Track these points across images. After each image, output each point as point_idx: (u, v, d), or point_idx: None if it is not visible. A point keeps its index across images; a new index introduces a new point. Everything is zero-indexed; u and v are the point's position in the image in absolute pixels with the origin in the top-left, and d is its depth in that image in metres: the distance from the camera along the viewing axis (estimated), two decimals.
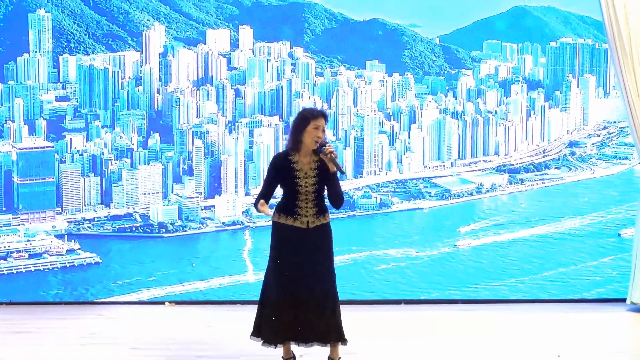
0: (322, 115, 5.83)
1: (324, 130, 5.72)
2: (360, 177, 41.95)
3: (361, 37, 35.38)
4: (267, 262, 5.66)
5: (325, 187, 5.56)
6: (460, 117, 31.66)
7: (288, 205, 5.75)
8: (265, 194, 5.61)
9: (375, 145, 36.67)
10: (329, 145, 5.41)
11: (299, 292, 5.30)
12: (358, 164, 41.53)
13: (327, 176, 5.45)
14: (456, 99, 33.36)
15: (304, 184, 5.73)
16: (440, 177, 36.08)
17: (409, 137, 35.17)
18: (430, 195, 35.77)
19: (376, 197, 40.45)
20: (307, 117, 5.79)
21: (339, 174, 5.54)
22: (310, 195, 5.74)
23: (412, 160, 33.12)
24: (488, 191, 31.59)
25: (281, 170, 5.77)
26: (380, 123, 36.80)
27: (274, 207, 5.64)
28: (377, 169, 40.92)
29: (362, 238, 35.77)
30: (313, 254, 5.70)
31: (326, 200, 5.52)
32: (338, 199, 5.47)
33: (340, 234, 35.99)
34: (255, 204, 5.81)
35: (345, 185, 41.94)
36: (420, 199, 36.90)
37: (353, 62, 35.68)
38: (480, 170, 33.97)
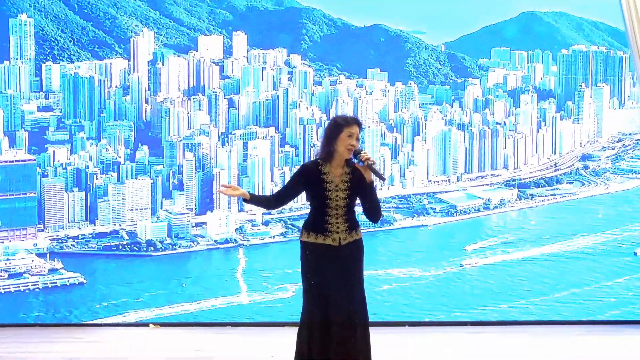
0: (356, 122, 5.82)
1: (358, 139, 5.72)
2: None
3: (362, 44, 35.53)
4: (300, 284, 5.70)
5: (360, 199, 5.52)
6: (467, 129, 31.76)
7: (317, 222, 5.78)
8: (282, 195, 5.82)
9: (376, 159, 36.66)
10: (365, 152, 5.32)
11: (331, 313, 5.30)
12: None
13: (360, 188, 5.40)
14: (462, 109, 33.48)
15: (334, 197, 5.74)
16: (446, 192, 36.13)
17: (413, 150, 35.20)
18: (435, 212, 35.82)
19: None
20: (341, 125, 5.80)
21: (378, 182, 5.56)
22: (341, 209, 5.76)
23: (416, 175, 33.14)
24: (496, 207, 31.61)
25: (310, 181, 5.77)
26: (382, 135, 36.89)
27: (302, 226, 5.63)
28: (379, 183, 40.72)
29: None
30: (345, 271, 5.75)
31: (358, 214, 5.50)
32: (376, 212, 5.61)
33: None
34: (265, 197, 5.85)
35: None
36: (424, 216, 36.94)
37: (353, 70, 35.76)
38: (488, 185, 33.98)
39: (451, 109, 33.48)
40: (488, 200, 31.39)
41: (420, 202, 36.17)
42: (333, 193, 5.72)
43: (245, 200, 5.50)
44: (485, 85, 31.11)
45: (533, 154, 24.59)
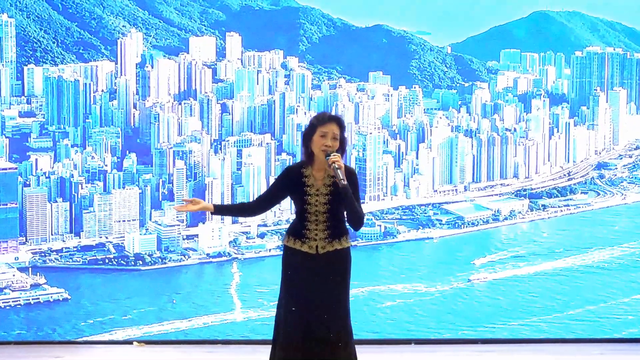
0: (332, 119, 5.39)
1: (336, 139, 5.30)
2: (362, 202, 40.97)
3: (363, 45, 35.48)
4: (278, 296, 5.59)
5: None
6: (475, 136, 31.66)
7: (297, 227, 5.36)
8: (263, 200, 5.43)
9: (379, 167, 36.58)
10: (335, 155, 5.21)
11: (308, 330, 5.17)
12: (360, 189, 40.46)
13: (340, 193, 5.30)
14: (470, 115, 33.40)
15: (313, 202, 5.32)
16: (452, 202, 35.97)
17: (417, 158, 35.21)
18: (441, 224, 35.57)
19: (380, 226, 40.36)
20: (314, 125, 5.39)
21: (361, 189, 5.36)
22: (322, 215, 5.32)
23: (421, 184, 33.09)
24: (506, 219, 31.55)
25: (291, 184, 5.37)
26: (384, 142, 36.85)
27: (286, 230, 5.53)
28: (381, 193, 40.92)
29: (364, 271, 35.63)
30: (324, 284, 5.28)
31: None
32: (354, 218, 5.27)
33: None
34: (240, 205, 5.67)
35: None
36: (429, 228, 36.72)
37: (354, 73, 35.74)
38: (497, 195, 33.95)
39: (458, 115, 33.40)
40: (497, 211, 31.27)
41: (426, 213, 36.03)
42: (313, 197, 5.32)
43: (213, 213, 5.36)
44: (494, 89, 30.96)
45: (545, 162, 24.48)
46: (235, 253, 32.17)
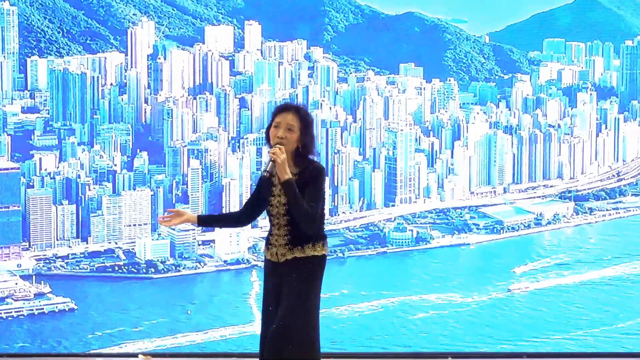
0: (287, 108, 5.16)
1: (291, 130, 5.05)
2: (392, 205, 41.91)
3: (393, 34, 35.43)
4: None
5: None
6: (515, 132, 31.47)
7: (268, 233, 5.20)
8: (247, 205, 5.26)
9: (410, 167, 36.48)
10: (277, 147, 4.97)
11: (266, 349, 5.04)
12: (389, 190, 41.51)
13: (305, 192, 5.03)
14: (510, 110, 33.21)
15: (275, 203, 5.12)
16: (491, 205, 35.85)
17: (452, 157, 35.12)
18: (478, 228, 35.42)
19: (412, 231, 40.21)
20: (272, 115, 5.20)
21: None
22: (282, 218, 5.10)
23: (456, 185, 33.02)
24: (549, 223, 31.34)
25: (264, 185, 5.18)
26: (416, 139, 36.75)
27: None
28: (413, 195, 40.77)
29: (394, 280, 35.54)
30: (280, 297, 5.06)
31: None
32: (297, 217, 4.99)
33: (367, 274, 35.89)
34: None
35: (374, 216, 41.68)
36: (465, 233, 36.55)
37: (384, 65, 35.74)
38: (539, 197, 33.75)
39: (497, 110, 33.21)
40: (540, 215, 31.08)
41: (461, 217, 35.97)
42: (275, 198, 5.12)
43: (197, 224, 5.26)
44: (536, 82, 30.79)
45: (592, 162, 24.32)
46: (254, 260, 32.21)
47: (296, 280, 5.03)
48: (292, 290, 5.02)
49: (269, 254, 5.07)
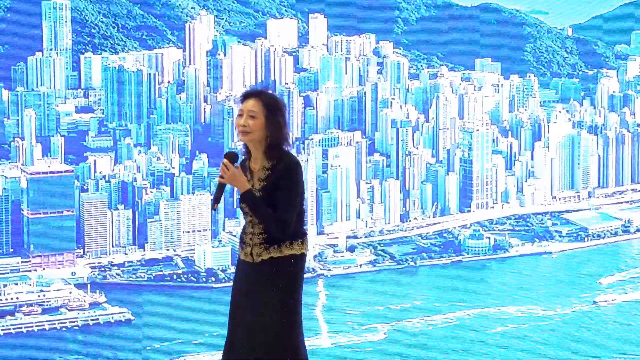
0: (248, 95, 4.62)
1: (253, 117, 4.54)
2: (468, 211, 42.05)
3: (469, 27, 35.69)
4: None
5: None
6: (601, 132, 31.51)
7: (242, 230, 4.72)
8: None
9: (487, 170, 36.60)
10: (220, 169, 4.53)
11: (231, 352, 4.56)
12: (465, 194, 41.69)
13: (277, 188, 4.52)
14: (594, 108, 33.24)
15: None
16: (574, 211, 35.82)
17: (532, 159, 35.19)
18: (560, 236, 35.39)
19: (489, 238, 40.33)
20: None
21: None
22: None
23: (537, 189, 33.09)
24: (638, 230, 31.17)
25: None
26: (494, 140, 36.89)
27: None
28: (490, 200, 40.88)
29: (470, 291, 35.67)
30: (254, 301, 4.52)
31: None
32: (267, 226, 4.48)
33: (440, 285, 36.32)
34: None
35: (448, 222, 42.00)
36: (547, 241, 36.53)
37: (458, 60, 35.97)
38: (627, 202, 33.65)
39: (580, 108, 33.31)
40: (628, 221, 31.00)
41: (543, 223, 36.00)
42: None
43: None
44: (624, 78, 30.84)
45: None
46: (320, 269, 32.18)
47: (273, 282, 4.47)
48: (268, 294, 4.47)
49: (243, 254, 4.49)
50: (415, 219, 54.50)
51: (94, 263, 38.99)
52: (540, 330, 36.01)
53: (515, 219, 46.03)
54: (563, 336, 35.40)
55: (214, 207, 4.51)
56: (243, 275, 4.49)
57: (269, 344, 4.40)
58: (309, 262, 29.64)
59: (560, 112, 52.17)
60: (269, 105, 4.40)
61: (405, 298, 43.06)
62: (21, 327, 35.80)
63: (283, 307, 4.46)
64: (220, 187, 4.46)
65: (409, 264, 49.08)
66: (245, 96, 4.51)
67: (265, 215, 4.35)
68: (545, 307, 37.77)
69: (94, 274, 37.64)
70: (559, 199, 48.16)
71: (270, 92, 4.56)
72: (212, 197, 4.89)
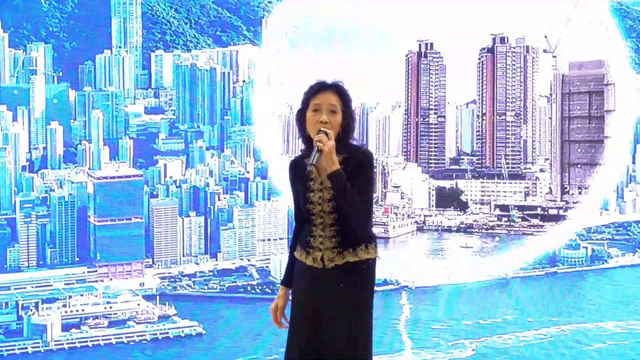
0: (326, 87, 4.98)
1: (334, 111, 4.90)
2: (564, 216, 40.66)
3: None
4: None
5: None
6: None
7: (305, 233, 5.04)
8: (298, 216, 5.11)
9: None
10: (320, 135, 4.79)
11: None
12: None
13: (353, 182, 4.87)
14: None
15: (316, 200, 4.97)
16: None
17: (634, 162, 34.42)
18: None
19: (586, 248, 39.62)
20: (305, 97, 4.99)
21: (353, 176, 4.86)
22: (327, 217, 4.96)
23: (638, 195, 32.50)
24: None
25: (298, 180, 5.05)
26: None
27: None
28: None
29: (565, 305, 35.14)
30: (332, 306, 4.94)
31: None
32: (346, 212, 4.83)
33: (533, 298, 35.67)
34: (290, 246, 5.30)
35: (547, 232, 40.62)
36: None
37: None
38: None
39: None
40: None
41: None
42: (316, 194, 4.97)
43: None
44: None
45: None
46: (405, 280, 32.09)
47: (352, 288, 4.86)
48: (347, 301, 4.86)
49: (310, 260, 4.89)
50: None
51: (163, 273, 39.54)
52: None
53: (614, 227, 45.71)
54: None
55: (310, 172, 4.76)
56: (309, 284, 4.87)
57: (355, 352, 4.81)
58: (392, 272, 29.64)
59: None
60: (347, 99, 4.83)
61: (495, 312, 42.88)
62: (87, 341, 36.63)
63: (362, 315, 4.83)
64: (318, 153, 4.74)
65: (499, 275, 49.10)
66: (322, 88, 4.89)
67: (351, 200, 4.71)
68: None
69: (163, 285, 38.25)
70: None
71: (341, 82, 4.89)
72: (310, 162, 4.75)
